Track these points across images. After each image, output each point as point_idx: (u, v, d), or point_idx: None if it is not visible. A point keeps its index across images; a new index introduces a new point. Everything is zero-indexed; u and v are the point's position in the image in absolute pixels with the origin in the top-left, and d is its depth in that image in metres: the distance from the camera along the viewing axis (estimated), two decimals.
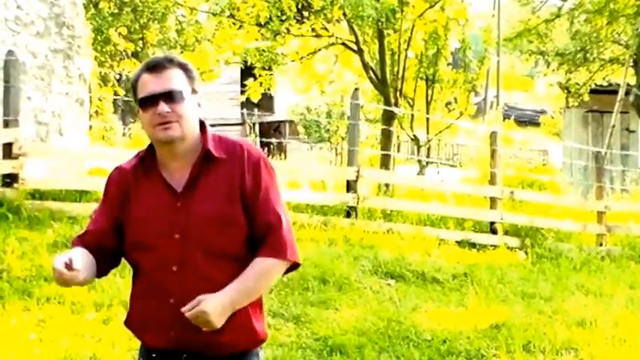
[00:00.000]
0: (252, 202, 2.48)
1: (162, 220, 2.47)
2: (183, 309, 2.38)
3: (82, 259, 2.43)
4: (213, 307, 2.37)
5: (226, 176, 2.49)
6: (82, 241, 2.55)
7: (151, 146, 2.55)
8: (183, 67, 2.52)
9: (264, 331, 2.57)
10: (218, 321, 2.38)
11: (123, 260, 2.63)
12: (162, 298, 2.46)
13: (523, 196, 10.49)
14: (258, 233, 2.49)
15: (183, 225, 2.45)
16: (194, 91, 2.52)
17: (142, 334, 2.55)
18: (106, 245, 2.54)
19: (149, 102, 2.45)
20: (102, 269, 2.57)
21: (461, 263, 7.88)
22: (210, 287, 2.41)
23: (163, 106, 2.44)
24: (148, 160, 2.54)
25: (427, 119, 14.76)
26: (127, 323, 2.59)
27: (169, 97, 2.45)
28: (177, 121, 2.45)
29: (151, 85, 2.46)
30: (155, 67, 2.48)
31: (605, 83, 18.54)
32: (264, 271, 2.49)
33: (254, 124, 24.11)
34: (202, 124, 2.54)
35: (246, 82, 15.37)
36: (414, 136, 14.42)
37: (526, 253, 8.99)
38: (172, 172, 2.50)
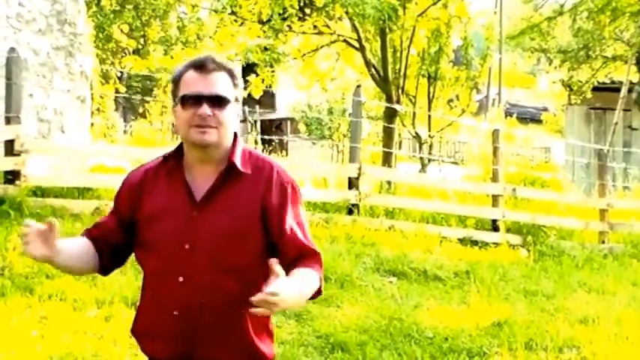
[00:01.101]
0: (279, 227, 2.40)
1: (174, 226, 2.39)
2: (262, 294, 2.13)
3: (73, 244, 2.43)
4: (287, 289, 2.16)
5: (249, 192, 2.40)
6: (88, 232, 2.53)
7: (179, 147, 2.47)
8: (230, 73, 2.44)
9: (270, 353, 2.47)
10: (286, 301, 2.16)
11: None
12: (166, 309, 2.40)
13: (525, 194, 10.48)
14: (292, 256, 2.38)
15: (196, 236, 2.37)
16: (236, 99, 2.45)
17: (144, 342, 2.49)
18: (112, 240, 2.50)
19: (192, 101, 2.36)
20: (105, 264, 2.53)
21: (463, 261, 7.88)
22: (214, 303, 2.36)
23: (206, 109, 2.35)
24: (173, 159, 2.46)
25: (429, 117, 14.72)
26: (133, 331, 2.53)
27: (214, 101, 2.37)
28: (217, 127, 2.37)
29: (197, 84, 2.37)
30: (203, 66, 2.39)
31: (607, 81, 18.55)
32: (313, 279, 2.38)
33: (255, 122, 24.12)
34: (234, 135, 2.46)
35: (247, 79, 15.34)
36: (416, 133, 14.39)
37: (528, 250, 8.99)
38: (196, 177, 2.42)
